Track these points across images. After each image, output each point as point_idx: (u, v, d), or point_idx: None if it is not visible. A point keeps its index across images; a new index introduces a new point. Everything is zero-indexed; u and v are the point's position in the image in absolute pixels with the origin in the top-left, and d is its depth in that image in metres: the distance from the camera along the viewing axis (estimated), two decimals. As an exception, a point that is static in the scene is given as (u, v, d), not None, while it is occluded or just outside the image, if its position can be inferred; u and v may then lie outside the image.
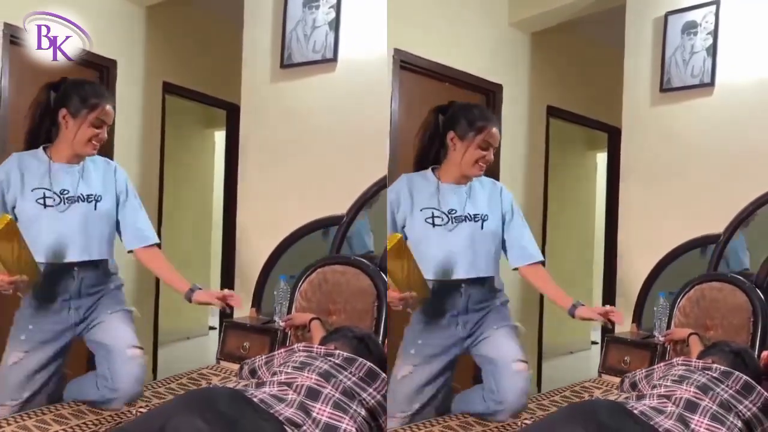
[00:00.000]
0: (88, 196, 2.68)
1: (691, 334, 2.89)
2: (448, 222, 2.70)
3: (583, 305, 2.71)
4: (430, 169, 2.78)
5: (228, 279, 3.37)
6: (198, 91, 3.56)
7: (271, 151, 3.30)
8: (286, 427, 2.24)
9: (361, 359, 2.46)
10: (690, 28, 3.17)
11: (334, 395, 2.35)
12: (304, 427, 2.28)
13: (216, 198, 3.74)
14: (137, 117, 3.39)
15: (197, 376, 2.96)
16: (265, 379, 2.45)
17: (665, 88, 3.21)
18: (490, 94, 3.65)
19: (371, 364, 2.47)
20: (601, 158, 3.97)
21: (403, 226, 2.75)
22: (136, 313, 2.82)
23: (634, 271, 3.23)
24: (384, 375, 2.49)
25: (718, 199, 3.07)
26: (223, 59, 3.48)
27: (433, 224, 2.70)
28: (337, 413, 2.33)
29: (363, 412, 2.38)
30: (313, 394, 2.33)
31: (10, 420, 2.48)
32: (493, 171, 3.66)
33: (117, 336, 2.67)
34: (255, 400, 2.28)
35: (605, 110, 3.68)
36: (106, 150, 2.99)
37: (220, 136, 3.75)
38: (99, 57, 3.09)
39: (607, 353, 3.12)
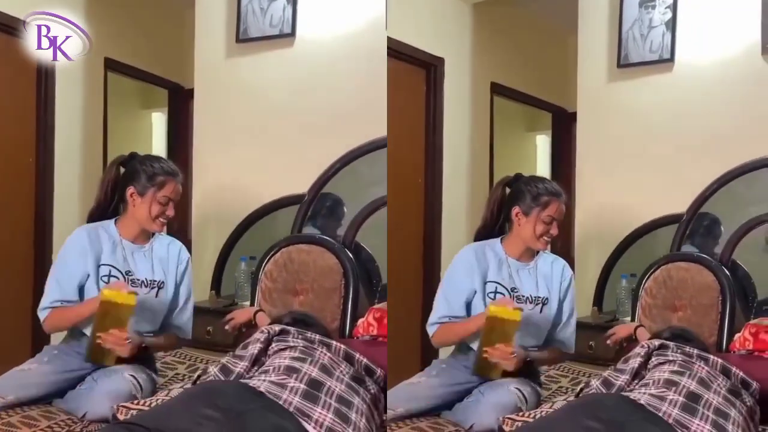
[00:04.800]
0: (151, 281, 2.60)
1: (637, 326, 2.81)
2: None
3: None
4: (498, 239, 2.69)
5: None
6: (138, 68, 3.37)
7: (226, 130, 3.16)
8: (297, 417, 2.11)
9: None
10: (648, 1, 3.08)
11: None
12: (314, 416, 2.14)
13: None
14: (79, 95, 3.23)
15: (161, 366, 2.76)
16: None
17: (623, 63, 3.12)
18: (431, 68, 3.51)
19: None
20: (541, 140, 3.87)
21: (469, 303, 2.64)
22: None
23: (593, 253, 3.13)
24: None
25: (680, 177, 3.01)
26: (165, 36, 3.35)
27: (494, 300, 2.61)
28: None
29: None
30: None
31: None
32: (437, 155, 3.54)
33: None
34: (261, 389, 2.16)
35: (550, 89, 3.58)
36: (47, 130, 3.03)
37: (157, 118, 3.54)
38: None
39: (571, 339, 2.99)
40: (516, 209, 2.64)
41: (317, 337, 2.50)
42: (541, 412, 2.38)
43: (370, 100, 3.00)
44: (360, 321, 2.79)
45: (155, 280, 2.61)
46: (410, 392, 2.63)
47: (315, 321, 2.71)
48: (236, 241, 3.14)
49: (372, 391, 2.45)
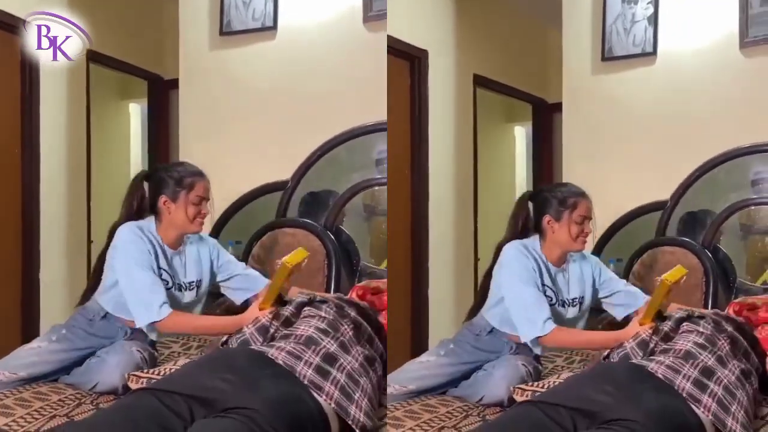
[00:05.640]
0: (190, 283, 2.67)
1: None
2: (555, 304, 2.70)
3: None
4: (537, 238, 2.73)
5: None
6: (118, 59, 3.41)
7: (211, 120, 3.23)
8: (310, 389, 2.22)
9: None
10: (630, -4, 3.21)
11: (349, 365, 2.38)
12: (326, 389, 2.25)
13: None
14: (63, 86, 3.26)
15: (159, 347, 2.81)
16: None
17: (607, 56, 3.24)
18: (416, 60, 3.57)
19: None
20: (519, 131, 3.97)
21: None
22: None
23: (581, 239, 3.24)
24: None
25: (663, 166, 3.14)
26: (145, 27, 3.42)
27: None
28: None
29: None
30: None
31: (8, 393, 2.45)
32: (423, 145, 3.61)
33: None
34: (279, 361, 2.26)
35: (530, 80, 3.68)
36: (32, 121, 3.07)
37: (134, 108, 3.59)
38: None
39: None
40: (547, 218, 2.71)
41: (354, 315, 2.55)
42: (549, 383, 2.49)
43: (349, 89, 3.13)
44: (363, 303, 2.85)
45: (192, 282, 2.70)
46: (420, 370, 2.74)
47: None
48: (223, 227, 3.21)
49: (379, 373, 2.55)
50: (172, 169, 2.68)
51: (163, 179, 2.65)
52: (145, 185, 2.69)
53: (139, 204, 2.66)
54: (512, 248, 2.70)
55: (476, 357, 2.71)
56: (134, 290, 2.55)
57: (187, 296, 2.69)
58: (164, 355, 2.81)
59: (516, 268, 2.66)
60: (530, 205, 2.76)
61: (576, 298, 2.74)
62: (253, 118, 3.24)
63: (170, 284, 2.63)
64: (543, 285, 2.68)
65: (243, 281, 2.80)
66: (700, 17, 3.11)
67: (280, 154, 3.19)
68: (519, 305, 2.64)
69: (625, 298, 2.78)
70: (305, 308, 2.54)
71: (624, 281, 2.85)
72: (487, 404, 2.60)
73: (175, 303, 2.63)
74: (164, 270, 2.62)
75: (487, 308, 2.74)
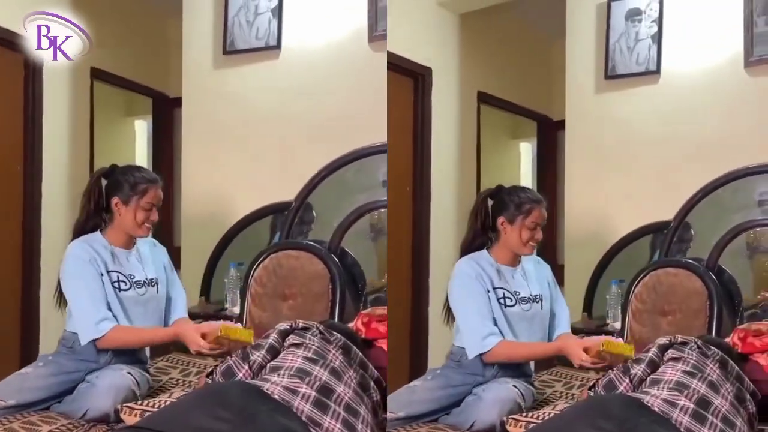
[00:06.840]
0: (150, 280, 2.70)
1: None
2: (516, 303, 2.73)
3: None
4: (485, 251, 2.78)
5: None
6: (123, 77, 3.43)
7: (214, 139, 3.23)
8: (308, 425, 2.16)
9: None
10: (634, 15, 3.18)
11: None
12: (324, 425, 2.20)
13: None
14: (66, 104, 3.27)
15: (154, 371, 2.82)
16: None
17: (610, 75, 3.21)
18: (419, 77, 3.56)
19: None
20: (525, 148, 3.94)
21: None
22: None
23: (583, 260, 3.21)
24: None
25: (666, 186, 3.11)
26: (150, 46, 3.43)
27: (505, 305, 2.72)
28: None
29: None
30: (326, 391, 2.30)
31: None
32: (425, 163, 3.59)
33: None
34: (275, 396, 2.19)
35: (535, 97, 3.65)
36: (35, 138, 3.10)
37: (140, 125, 3.60)
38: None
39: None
40: (501, 219, 2.74)
41: (342, 339, 2.54)
42: (545, 413, 2.45)
43: (353, 110, 3.11)
44: (349, 326, 2.83)
45: (152, 279, 2.72)
46: (408, 396, 2.72)
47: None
48: (225, 248, 3.21)
49: (374, 398, 2.52)
50: (128, 173, 2.71)
51: (119, 181, 2.68)
52: (103, 182, 2.72)
53: (96, 201, 2.69)
54: (460, 264, 2.75)
55: (464, 379, 2.69)
56: (77, 309, 2.60)
57: (149, 293, 2.70)
58: (162, 382, 2.79)
59: (462, 285, 2.71)
60: (489, 202, 2.79)
61: (538, 295, 2.76)
62: (256, 137, 3.24)
63: (128, 284, 2.65)
64: (495, 288, 2.70)
65: (178, 303, 2.84)
66: (705, 36, 3.07)
67: (283, 173, 3.19)
68: (464, 322, 2.69)
69: (558, 317, 2.82)
70: (289, 336, 2.51)
71: (564, 302, 2.88)
72: (479, 431, 2.56)
73: (137, 302, 2.66)
74: (118, 272, 2.64)
75: (455, 329, 2.75)
